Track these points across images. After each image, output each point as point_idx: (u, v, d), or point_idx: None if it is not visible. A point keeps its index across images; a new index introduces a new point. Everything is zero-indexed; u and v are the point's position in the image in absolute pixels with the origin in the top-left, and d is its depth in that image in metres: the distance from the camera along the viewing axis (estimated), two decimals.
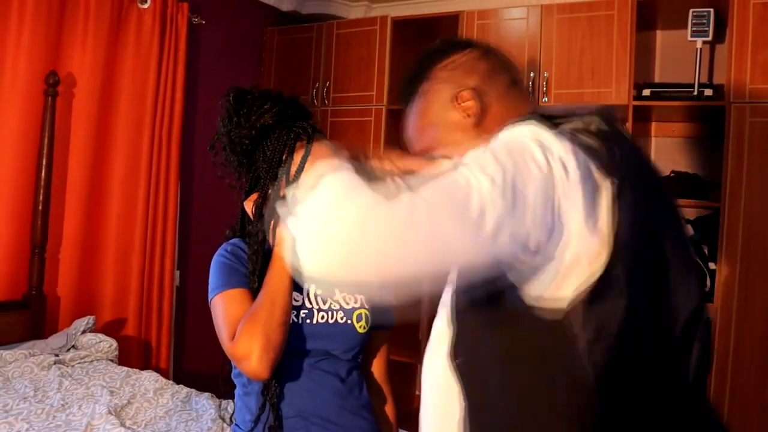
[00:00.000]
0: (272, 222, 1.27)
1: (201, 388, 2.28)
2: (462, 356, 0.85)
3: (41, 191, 2.58)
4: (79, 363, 2.32)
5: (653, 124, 3.17)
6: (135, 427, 1.94)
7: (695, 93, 2.72)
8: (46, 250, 2.62)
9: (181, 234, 3.24)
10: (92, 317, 2.55)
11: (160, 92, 3.02)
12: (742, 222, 2.57)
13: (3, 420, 1.84)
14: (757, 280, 2.55)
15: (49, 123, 2.58)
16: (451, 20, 3.25)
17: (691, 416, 0.82)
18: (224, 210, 2.97)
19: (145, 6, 2.95)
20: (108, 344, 2.45)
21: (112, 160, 2.90)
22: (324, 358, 1.27)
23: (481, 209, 0.66)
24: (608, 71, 2.87)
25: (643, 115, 2.95)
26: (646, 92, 2.83)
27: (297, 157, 1.27)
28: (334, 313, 1.29)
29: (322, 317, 1.27)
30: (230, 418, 1.35)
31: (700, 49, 2.74)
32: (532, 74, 3.02)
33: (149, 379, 2.25)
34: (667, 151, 3.14)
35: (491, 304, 0.77)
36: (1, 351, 2.24)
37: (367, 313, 1.31)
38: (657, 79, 3.12)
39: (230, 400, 1.39)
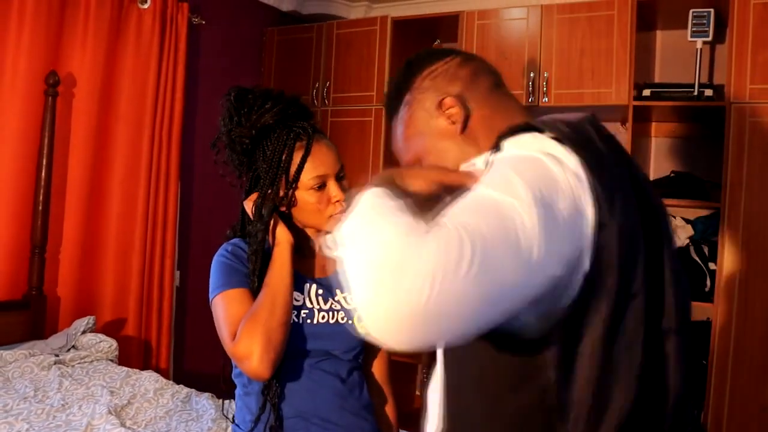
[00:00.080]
0: (272, 222, 1.27)
1: (201, 388, 2.28)
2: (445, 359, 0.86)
3: (41, 191, 2.58)
4: (79, 363, 2.32)
5: (653, 124, 3.17)
6: (135, 427, 1.94)
7: (695, 93, 2.72)
8: (46, 250, 2.62)
9: (181, 234, 3.24)
10: (92, 317, 2.55)
11: (160, 92, 3.02)
12: (742, 222, 2.58)
13: (3, 420, 1.84)
14: (757, 280, 2.55)
15: (49, 123, 2.58)
16: (451, 20, 3.25)
17: None
18: (224, 210, 2.97)
19: (145, 6, 2.95)
20: (108, 344, 2.45)
21: (112, 160, 2.90)
22: (325, 358, 1.27)
23: (525, 235, 0.63)
24: (608, 71, 2.87)
25: (643, 116, 2.95)
26: (646, 92, 2.83)
27: (297, 157, 1.27)
28: (335, 313, 1.29)
29: (323, 317, 1.27)
30: (233, 418, 1.35)
31: (700, 49, 2.74)
32: (532, 74, 3.02)
33: (149, 379, 2.25)
34: (667, 151, 3.14)
35: None
36: (1, 351, 2.24)
37: None
38: (657, 80, 3.12)
39: (232, 400, 1.39)
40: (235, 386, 1.34)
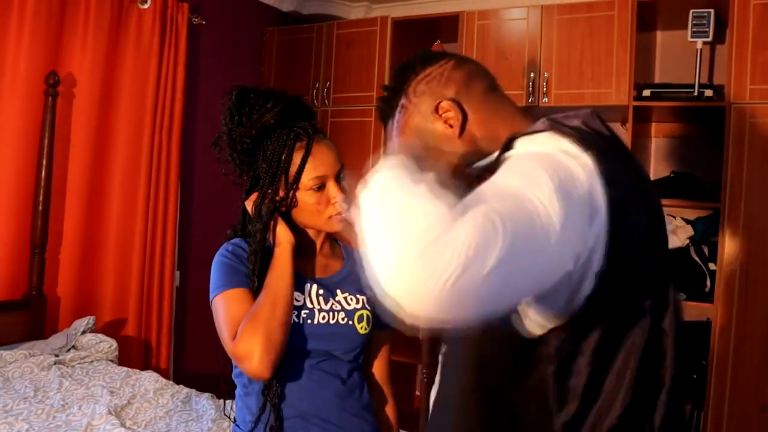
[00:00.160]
0: (272, 222, 1.27)
1: (201, 388, 2.28)
2: (446, 345, 0.87)
3: (41, 191, 2.58)
4: (79, 363, 2.32)
5: (653, 124, 3.17)
6: (135, 427, 1.94)
7: (695, 93, 2.72)
8: (46, 250, 2.62)
9: (181, 234, 3.24)
10: (92, 317, 2.55)
11: (160, 92, 3.02)
12: (742, 222, 2.58)
13: (3, 420, 1.84)
14: (757, 280, 2.55)
15: (49, 123, 2.58)
16: (451, 21, 3.25)
17: None
18: (224, 210, 2.97)
19: (145, 6, 2.95)
20: (108, 344, 2.45)
21: (112, 160, 2.90)
22: (325, 358, 1.27)
23: (547, 224, 0.65)
24: (608, 72, 2.87)
25: (643, 116, 2.95)
26: (647, 93, 2.83)
27: (297, 158, 1.27)
28: (336, 313, 1.28)
29: (323, 318, 1.27)
30: (233, 418, 1.35)
31: (701, 49, 2.74)
32: (532, 74, 3.02)
33: (149, 379, 2.25)
34: (667, 151, 3.14)
35: None
36: (1, 351, 2.24)
37: (368, 314, 1.31)
38: (657, 80, 3.13)
39: (233, 400, 1.38)
40: (235, 386, 1.34)
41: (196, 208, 3.39)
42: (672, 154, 3.12)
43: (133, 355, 2.87)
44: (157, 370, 2.77)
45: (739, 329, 2.57)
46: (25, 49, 2.55)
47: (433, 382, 0.93)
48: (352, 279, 1.35)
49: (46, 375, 2.17)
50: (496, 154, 0.82)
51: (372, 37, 3.42)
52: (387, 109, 1.00)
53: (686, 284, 2.72)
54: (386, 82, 1.06)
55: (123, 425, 1.88)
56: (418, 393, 3.55)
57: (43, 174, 2.58)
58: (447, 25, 3.31)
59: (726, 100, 2.64)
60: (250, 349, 1.14)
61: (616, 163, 0.77)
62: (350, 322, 1.28)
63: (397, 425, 1.43)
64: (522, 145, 0.78)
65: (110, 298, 2.89)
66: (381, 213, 0.67)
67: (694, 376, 2.67)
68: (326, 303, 1.29)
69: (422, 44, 3.42)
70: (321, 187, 1.28)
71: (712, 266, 2.72)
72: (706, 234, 2.83)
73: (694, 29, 2.69)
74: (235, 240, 1.32)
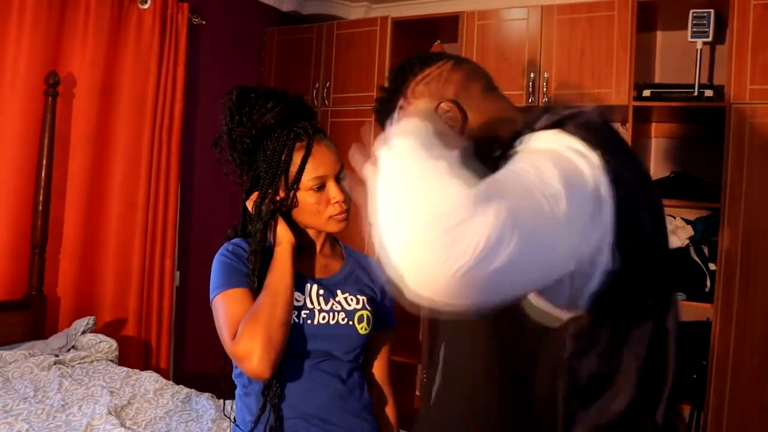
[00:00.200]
0: (272, 222, 1.27)
1: (201, 388, 2.28)
2: (445, 342, 0.88)
3: (41, 191, 2.58)
4: (79, 363, 2.32)
5: (653, 124, 3.17)
6: (135, 427, 1.94)
7: (695, 94, 2.72)
8: (46, 250, 2.62)
9: (181, 234, 3.24)
10: (92, 317, 2.55)
11: (160, 92, 3.02)
12: (742, 222, 2.58)
13: (3, 420, 1.84)
14: (758, 280, 2.55)
15: (49, 123, 2.58)
16: (451, 21, 3.25)
17: None
18: (224, 210, 2.97)
19: (145, 6, 2.95)
20: (108, 344, 2.45)
21: (112, 160, 2.90)
22: (325, 359, 1.27)
23: (553, 222, 0.66)
24: (608, 72, 2.87)
25: (643, 116, 2.96)
26: (647, 93, 2.83)
27: (297, 158, 1.27)
28: (336, 314, 1.28)
29: (324, 318, 1.27)
30: (233, 418, 1.35)
31: (701, 49, 2.74)
32: (532, 74, 3.02)
33: (149, 379, 2.25)
34: (667, 151, 3.14)
35: None
36: (1, 351, 2.24)
37: (369, 314, 1.31)
38: (657, 80, 3.13)
39: (233, 400, 1.39)
40: (235, 386, 1.34)
41: (196, 208, 3.39)
42: (672, 154, 3.12)
43: (133, 355, 2.87)
44: (157, 370, 2.77)
45: (739, 329, 2.57)
46: (25, 49, 2.55)
47: (433, 382, 0.93)
48: (353, 279, 1.35)
49: (46, 375, 2.17)
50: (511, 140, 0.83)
51: (372, 37, 3.42)
52: (384, 110, 1.00)
53: (686, 284, 2.72)
54: (385, 82, 1.05)
55: (123, 425, 1.88)
56: (418, 393, 3.55)
57: (43, 174, 2.58)
58: (447, 26, 3.31)
59: (726, 100, 2.64)
60: (250, 349, 1.14)
61: (622, 162, 0.77)
62: (350, 323, 1.28)
63: (397, 425, 1.43)
64: (532, 140, 0.78)
65: (110, 298, 2.89)
66: (401, 183, 0.67)
67: (694, 376, 2.67)
68: (326, 303, 1.29)
69: (422, 44, 3.42)
70: (321, 187, 1.28)
71: (712, 266, 2.72)
72: (706, 234, 2.83)
73: (694, 29, 2.69)
74: (236, 240, 1.32)
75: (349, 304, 1.30)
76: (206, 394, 2.23)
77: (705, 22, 2.67)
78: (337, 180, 1.30)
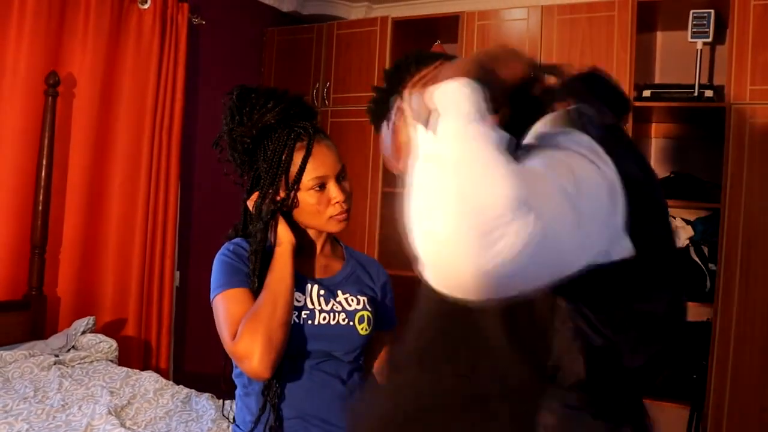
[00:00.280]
0: (273, 222, 1.27)
1: (201, 388, 2.28)
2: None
3: (41, 191, 2.57)
4: (79, 363, 2.32)
5: (653, 125, 3.17)
6: (135, 427, 1.94)
7: (695, 94, 2.72)
8: (46, 250, 2.62)
9: (181, 234, 3.24)
10: (92, 317, 2.55)
11: (160, 93, 3.02)
12: (742, 223, 2.58)
13: (3, 420, 1.84)
14: (758, 280, 2.55)
15: (49, 123, 2.58)
16: (451, 21, 3.25)
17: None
18: (224, 210, 2.97)
19: (146, 6, 2.95)
20: (108, 345, 2.44)
21: (113, 160, 2.90)
22: (325, 359, 1.27)
23: (575, 225, 0.67)
24: (608, 72, 2.86)
25: (643, 116, 2.95)
26: (647, 93, 2.83)
27: (297, 158, 1.27)
28: (336, 314, 1.28)
29: (324, 318, 1.27)
30: (233, 418, 1.35)
31: (701, 50, 2.74)
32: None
33: (149, 379, 2.25)
34: (667, 152, 3.14)
35: None
36: (1, 351, 2.24)
37: (369, 315, 1.31)
38: (657, 80, 3.12)
39: (232, 400, 1.38)
40: (235, 386, 1.34)
41: (196, 208, 3.39)
42: (672, 154, 3.12)
43: (133, 355, 2.87)
44: (157, 371, 2.77)
45: (739, 329, 2.57)
46: (25, 49, 2.55)
47: None
48: (353, 279, 1.35)
49: (46, 375, 2.17)
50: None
51: (372, 38, 3.42)
52: (379, 110, 0.99)
53: (686, 285, 2.72)
54: (367, 109, 1.04)
55: (123, 425, 1.88)
56: None
57: (43, 174, 2.58)
58: (447, 26, 3.31)
59: (726, 100, 2.64)
60: (251, 349, 1.14)
61: (635, 162, 0.78)
62: (351, 323, 1.28)
63: None
64: (550, 135, 0.79)
65: (110, 298, 2.89)
66: (449, 166, 0.66)
67: (694, 376, 2.67)
68: (327, 304, 1.29)
69: (422, 44, 3.42)
70: (322, 187, 1.28)
71: (712, 266, 2.72)
72: (706, 234, 2.83)
73: (695, 30, 2.69)
74: (237, 240, 1.32)
75: (350, 305, 1.30)
76: (206, 395, 2.23)
77: (705, 22, 2.67)
78: (338, 180, 1.30)
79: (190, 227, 3.36)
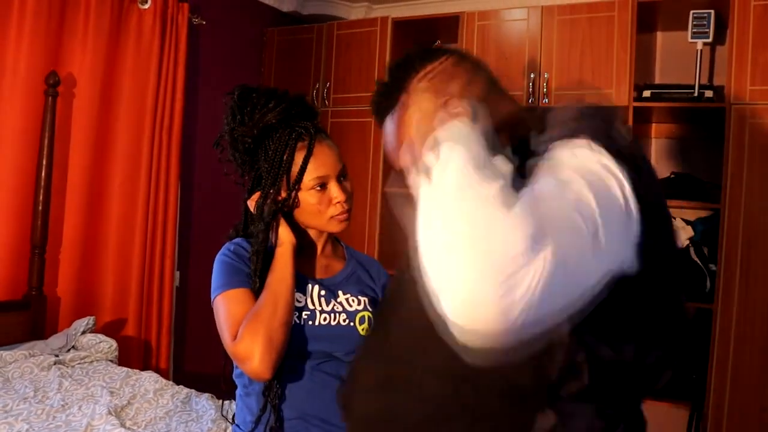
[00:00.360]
0: (274, 222, 1.27)
1: (201, 388, 2.28)
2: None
3: (41, 191, 2.57)
4: (79, 363, 2.32)
5: (653, 125, 3.17)
6: (135, 427, 1.94)
7: (695, 94, 2.72)
8: (46, 250, 2.62)
9: (181, 234, 3.24)
10: (92, 318, 2.55)
11: (160, 93, 3.02)
12: (743, 223, 2.58)
13: (3, 420, 1.84)
14: (758, 280, 2.55)
15: (49, 123, 2.58)
16: (451, 21, 3.25)
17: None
18: (224, 210, 2.97)
19: (146, 6, 2.95)
20: (108, 345, 2.44)
21: (113, 160, 2.90)
22: (326, 360, 1.27)
23: (593, 251, 0.66)
24: (608, 72, 2.87)
25: (643, 117, 2.96)
26: (647, 93, 2.83)
27: (298, 158, 1.27)
28: (337, 315, 1.28)
29: (325, 319, 1.27)
30: (232, 418, 1.35)
31: (701, 50, 2.74)
32: (532, 75, 3.02)
33: (149, 379, 2.25)
34: (667, 152, 3.14)
35: None
36: (1, 351, 2.24)
37: (370, 315, 1.31)
38: (657, 81, 3.13)
39: (233, 401, 1.38)
40: (235, 386, 1.33)
41: (196, 208, 3.39)
42: (672, 154, 3.12)
43: (133, 355, 2.87)
44: (157, 371, 2.77)
45: (739, 329, 2.57)
46: (25, 49, 2.55)
47: None
48: (354, 280, 1.35)
49: (46, 375, 2.17)
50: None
51: (372, 38, 3.42)
52: (384, 105, 0.98)
53: (686, 285, 2.72)
54: (371, 101, 1.02)
55: (123, 425, 1.88)
56: None
57: (43, 174, 2.57)
58: (447, 26, 3.31)
59: (726, 100, 2.64)
60: (251, 350, 1.14)
61: (647, 176, 0.77)
62: (351, 324, 1.28)
63: None
64: (561, 151, 0.77)
65: (110, 298, 2.89)
66: (457, 216, 0.65)
67: (694, 376, 2.67)
68: (328, 304, 1.28)
69: (422, 45, 3.42)
70: (323, 187, 1.28)
71: (712, 267, 2.72)
72: (706, 234, 2.83)
73: (695, 30, 2.69)
74: (237, 240, 1.32)
75: (351, 305, 1.30)
76: (206, 395, 2.23)
77: (705, 22, 2.67)
78: (339, 180, 1.30)
79: (190, 227, 3.36)
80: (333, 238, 1.40)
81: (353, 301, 1.31)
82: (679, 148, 3.12)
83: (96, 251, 2.86)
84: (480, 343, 0.63)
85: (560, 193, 0.69)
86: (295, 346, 1.22)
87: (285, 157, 1.26)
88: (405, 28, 3.42)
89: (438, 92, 0.92)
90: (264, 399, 1.23)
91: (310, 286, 1.29)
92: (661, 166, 3.10)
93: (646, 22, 2.98)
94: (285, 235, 1.26)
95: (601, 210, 0.67)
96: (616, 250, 0.69)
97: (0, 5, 2.50)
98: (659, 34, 3.17)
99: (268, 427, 1.22)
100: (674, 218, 2.93)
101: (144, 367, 2.76)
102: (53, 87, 2.57)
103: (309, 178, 1.27)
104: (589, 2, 2.95)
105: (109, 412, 1.93)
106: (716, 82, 2.95)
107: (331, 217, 1.28)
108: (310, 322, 1.26)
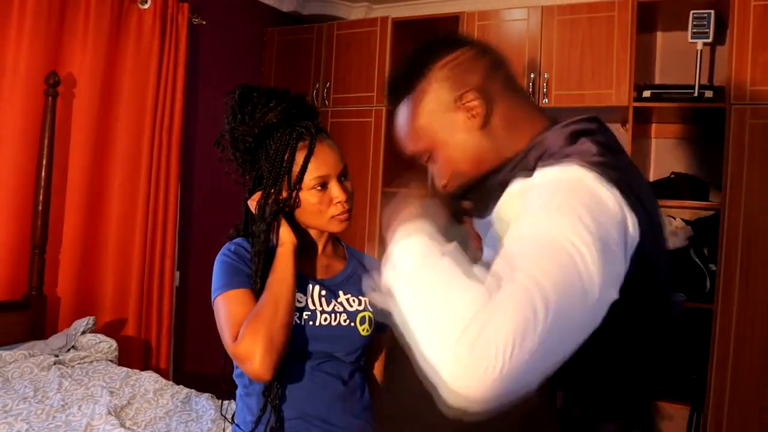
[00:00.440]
0: (275, 222, 1.27)
1: (201, 388, 2.28)
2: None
3: (41, 191, 2.57)
4: (78, 363, 2.32)
5: (653, 125, 3.17)
6: (135, 427, 1.94)
7: (695, 94, 2.72)
8: (46, 250, 2.61)
9: (181, 234, 3.23)
10: (92, 318, 2.54)
11: (160, 93, 3.02)
12: (743, 223, 2.58)
13: (3, 420, 1.83)
14: (758, 281, 2.55)
15: (49, 123, 2.58)
16: (451, 21, 3.25)
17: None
18: (224, 210, 2.97)
19: (146, 6, 2.95)
20: (108, 345, 2.44)
21: (113, 160, 2.90)
22: (326, 360, 1.27)
23: (589, 275, 0.65)
24: (608, 72, 2.87)
25: (643, 117, 2.95)
26: (647, 94, 2.83)
27: (299, 157, 1.27)
28: (338, 315, 1.28)
29: (325, 319, 1.27)
30: (231, 418, 1.35)
31: (701, 50, 2.74)
32: (532, 75, 3.02)
33: (149, 379, 2.25)
34: (668, 152, 3.14)
35: None
36: (1, 351, 2.24)
37: (370, 315, 1.30)
38: (657, 81, 3.13)
39: (232, 400, 1.38)
40: (235, 387, 1.33)
41: (196, 208, 3.39)
42: (672, 154, 3.12)
43: (133, 355, 2.87)
44: (157, 371, 2.77)
45: (739, 329, 2.57)
46: (25, 49, 2.54)
47: None
48: (354, 280, 1.35)
49: (45, 375, 2.17)
50: (515, 164, 0.82)
51: (372, 38, 3.42)
52: (400, 87, 0.96)
53: (686, 285, 2.72)
54: (387, 81, 1.01)
55: (123, 425, 1.88)
56: None
57: (43, 174, 2.57)
58: (447, 26, 3.31)
59: (726, 101, 2.64)
60: (252, 350, 1.13)
61: (638, 190, 0.76)
62: (352, 324, 1.28)
63: None
64: (547, 173, 0.76)
65: (110, 298, 2.88)
66: (416, 299, 0.68)
67: (694, 376, 2.67)
68: (328, 304, 1.28)
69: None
70: (323, 186, 1.27)
71: (712, 267, 2.72)
72: (706, 234, 2.83)
73: (695, 30, 2.69)
74: (238, 240, 1.32)
75: (351, 305, 1.30)
76: (206, 395, 2.23)
77: (705, 22, 2.67)
78: (340, 180, 1.29)
79: (190, 227, 3.36)
80: (334, 238, 1.40)
81: (354, 301, 1.31)
82: (679, 148, 3.12)
83: (96, 251, 2.86)
84: (476, 408, 0.63)
85: (538, 228, 0.69)
86: (296, 347, 1.22)
87: (286, 157, 1.26)
88: (405, 28, 3.42)
89: (456, 83, 0.91)
90: (264, 399, 1.22)
91: (310, 286, 1.29)
92: (661, 166, 3.10)
93: (646, 22, 2.98)
94: (286, 236, 1.25)
95: (593, 238, 0.67)
96: (611, 280, 0.68)
97: (0, 5, 2.50)
98: (659, 34, 3.17)
99: (269, 427, 1.22)
100: (674, 218, 2.93)
101: (144, 367, 2.76)
102: (53, 87, 2.57)
103: (310, 177, 1.26)
104: (589, 2, 2.95)
105: (109, 412, 1.93)
106: (716, 82, 2.95)
107: (332, 217, 1.28)
108: (311, 323, 1.25)
